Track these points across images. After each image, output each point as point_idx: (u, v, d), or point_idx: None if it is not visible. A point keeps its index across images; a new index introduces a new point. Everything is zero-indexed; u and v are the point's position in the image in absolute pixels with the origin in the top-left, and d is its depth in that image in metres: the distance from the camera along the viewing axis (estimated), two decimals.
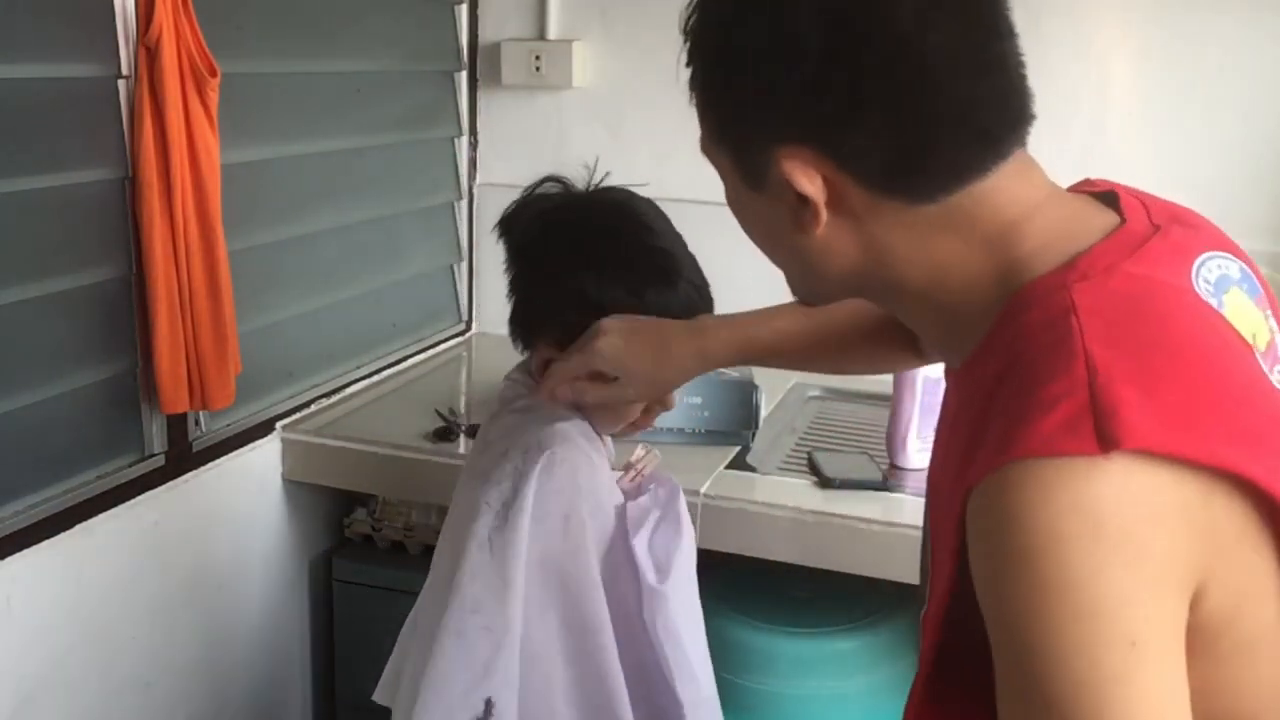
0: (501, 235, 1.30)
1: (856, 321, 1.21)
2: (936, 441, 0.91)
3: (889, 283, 0.82)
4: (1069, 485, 0.67)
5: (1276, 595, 0.72)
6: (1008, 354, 0.74)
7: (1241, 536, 0.70)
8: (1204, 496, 0.68)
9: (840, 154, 0.76)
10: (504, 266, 1.30)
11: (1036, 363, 0.71)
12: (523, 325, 1.29)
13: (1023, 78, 0.78)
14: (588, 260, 1.23)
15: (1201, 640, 0.70)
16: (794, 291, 0.92)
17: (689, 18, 0.82)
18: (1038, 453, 0.67)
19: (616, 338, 1.18)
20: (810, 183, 0.77)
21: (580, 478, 1.20)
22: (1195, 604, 0.69)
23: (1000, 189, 0.78)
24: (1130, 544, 0.66)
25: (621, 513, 1.22)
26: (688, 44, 0.83)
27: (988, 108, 0.76)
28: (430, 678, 1.16)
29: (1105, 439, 0.66)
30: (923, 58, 0.74)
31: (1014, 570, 0.68)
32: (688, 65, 0.83)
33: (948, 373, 0.88)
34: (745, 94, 0.79)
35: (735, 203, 0.87)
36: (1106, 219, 0.79)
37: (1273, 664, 0.74)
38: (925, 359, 1.22)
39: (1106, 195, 0.83)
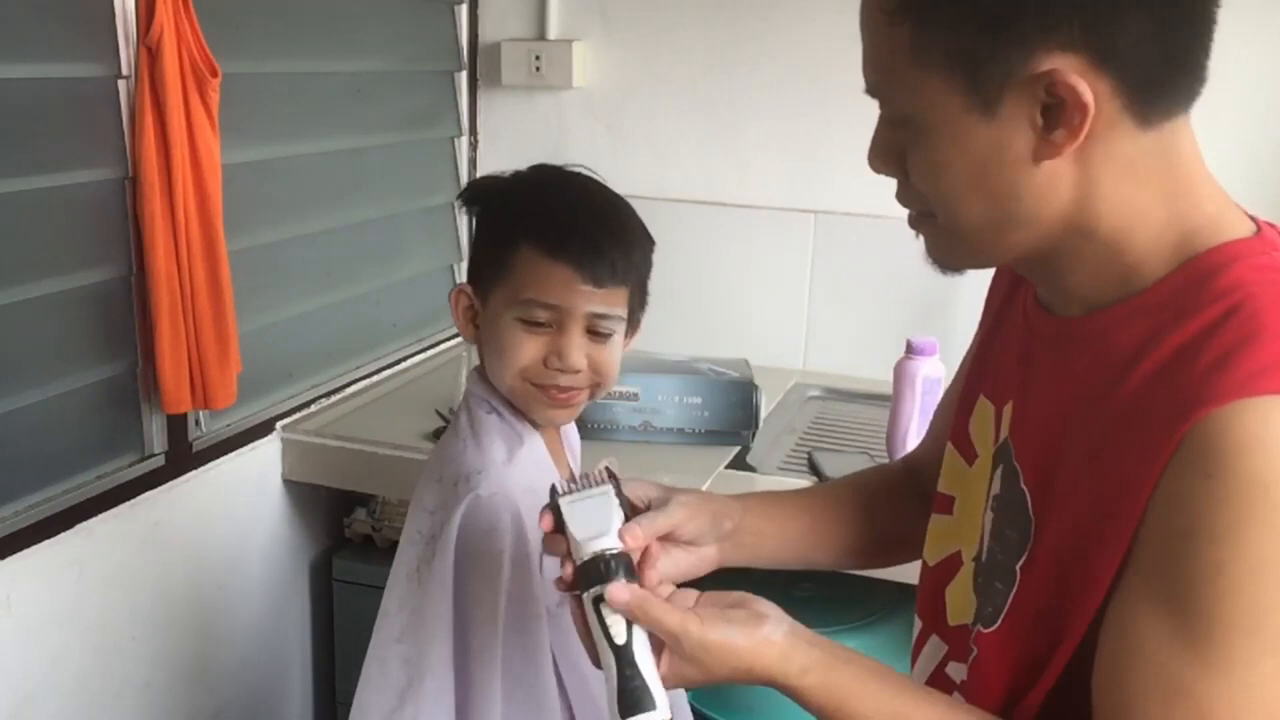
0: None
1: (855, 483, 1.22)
2: (1023, 397, 0.89)
3: (1078, 228, 0.80)
4: None
5: None
6: (1225, 304, 0.74)
7: None
8: None
9: (1105, 54, 0.74)
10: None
11: (1271, 310, 0.73)
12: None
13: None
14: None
15: None
16: (944, 253, 0.86)
17: None
18: None
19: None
20: (1088, 88, 0.74)
21: (503, 519, 1.12)
22: None
23: (1188, 135, 0.80)
24: None
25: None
26: None
27: (1208, 43, 0.78)
28: (358, 702, 1.19)
29: None
30: None
31: (1241, 494, 0.69)
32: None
33: (1041, 325, 0.88)
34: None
35: (940, 133, 0.79)
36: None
37: None
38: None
39: None
